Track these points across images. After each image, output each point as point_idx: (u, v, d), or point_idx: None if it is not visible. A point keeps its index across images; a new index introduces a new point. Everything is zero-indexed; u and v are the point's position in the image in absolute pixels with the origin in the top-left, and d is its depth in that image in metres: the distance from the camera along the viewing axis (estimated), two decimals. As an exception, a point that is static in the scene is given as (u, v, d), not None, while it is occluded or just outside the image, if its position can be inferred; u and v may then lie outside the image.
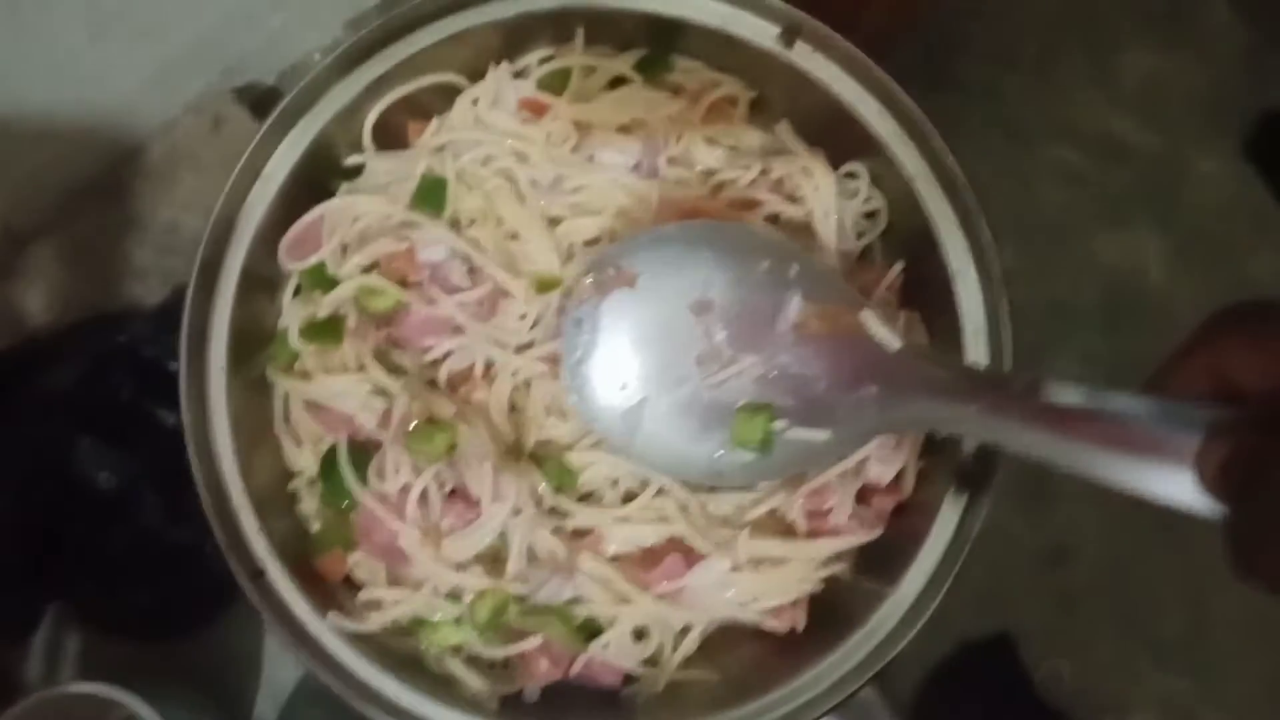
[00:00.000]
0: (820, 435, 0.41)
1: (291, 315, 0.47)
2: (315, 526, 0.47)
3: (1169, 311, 0.85)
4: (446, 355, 0.46)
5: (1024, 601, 0.90)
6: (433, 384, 0.46)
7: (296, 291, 0.48)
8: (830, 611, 0.47)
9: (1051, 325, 0.85)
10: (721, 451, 0.42)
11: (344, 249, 0.46)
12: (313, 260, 0.46)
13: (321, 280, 0.46)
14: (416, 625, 0.46)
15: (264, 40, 0.65)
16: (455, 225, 0.47)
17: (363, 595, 0.45)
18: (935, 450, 0.47)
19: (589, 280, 0.43)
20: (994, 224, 0.87)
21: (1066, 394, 0.32)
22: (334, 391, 0.45)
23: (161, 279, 0.61)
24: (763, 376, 0.42)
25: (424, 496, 0.44)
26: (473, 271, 0.46)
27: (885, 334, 0.41)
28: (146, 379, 0.58)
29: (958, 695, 0.86)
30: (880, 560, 0.47)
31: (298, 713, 0.60)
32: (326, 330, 0.46)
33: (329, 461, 0.45)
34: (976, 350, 0.45)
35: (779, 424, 0.42)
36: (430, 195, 0.46)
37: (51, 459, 0.56)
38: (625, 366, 0.43)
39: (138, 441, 0.57)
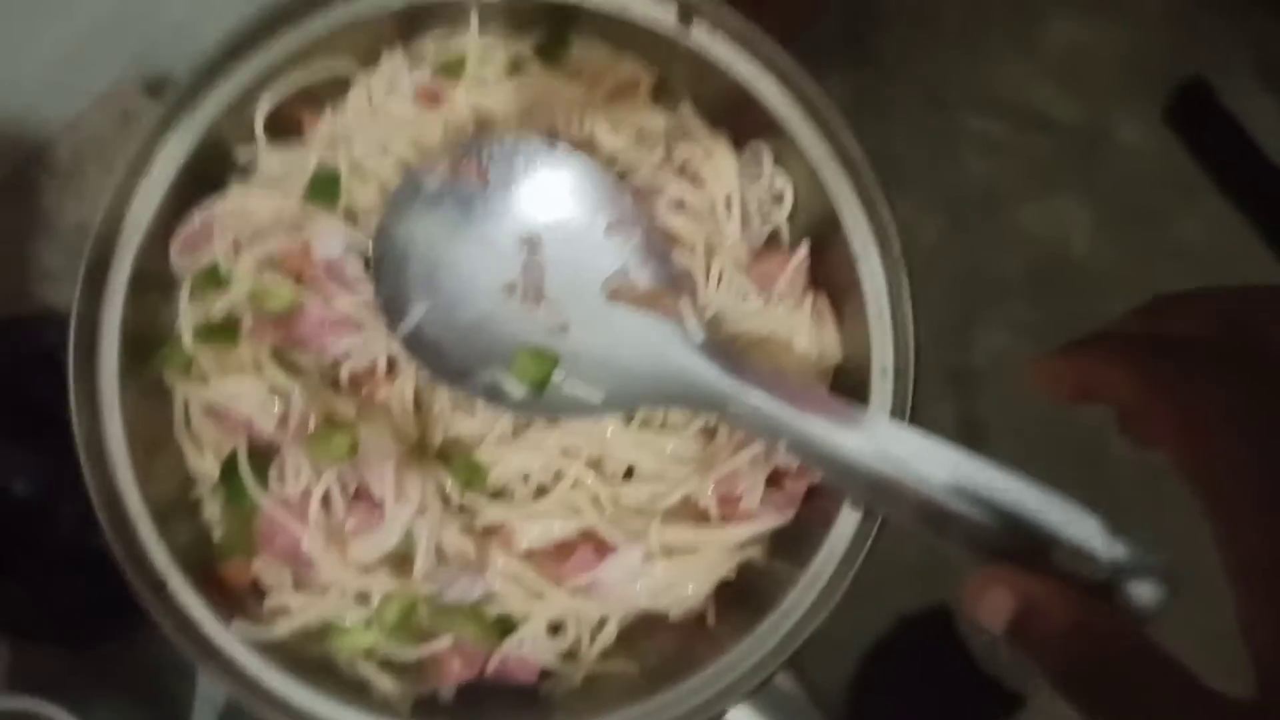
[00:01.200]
0: (594, 395, 0.43)
1: (185, 317, 0.45)
2: (218, 534, 0.45)
3: (1096, 279, 0.86)
4: (346, 353, 0.45)
5: (960, 574, 0.90)
6: (335, 384, 0.45)
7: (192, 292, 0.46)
8: (745, 596, 0.47)
9: (979, 295, 0.86)
10: (493, 379, 0.43)
11: (236, 247, 0.45)
12: (205, 260, 0.45)
13: (215, 280, 0.45)
14: (326, 630, 0.45)
15: (171, 31, 0.63)
16: (351, 218, 0.46)
17: (269, 602, 0.44)
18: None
19: (446, 157, 0.43)
20: (919, 196, 0.87)
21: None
22: (231, 394, 0.44)
23: (72, 280, 0.60)
24: (559, 326, 0.43)
25: (327, 499, 0.43)
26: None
27: (693, 325, 0.42)
28: (61, 383, 0.57)
29: (897, 670, 0.87)
30: (792, 543, 0.47)
31: (237, 715, 0.59)
32: (221, 332, 0.45)
33: (229, 467, 0.44)
34: (880, 329, 0.45)
35: (558, 374, 0.43)
36: (324, 188, 0.45)
37: (-35, 467, 0.55)
38: (433, 266, 0.43)
39: (54, 447, 0.56)
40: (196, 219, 0.45)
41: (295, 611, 0.44)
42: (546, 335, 0.43)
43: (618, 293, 0.43)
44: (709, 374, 0.42)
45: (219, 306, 0.45)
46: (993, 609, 0.30)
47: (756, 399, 0.41)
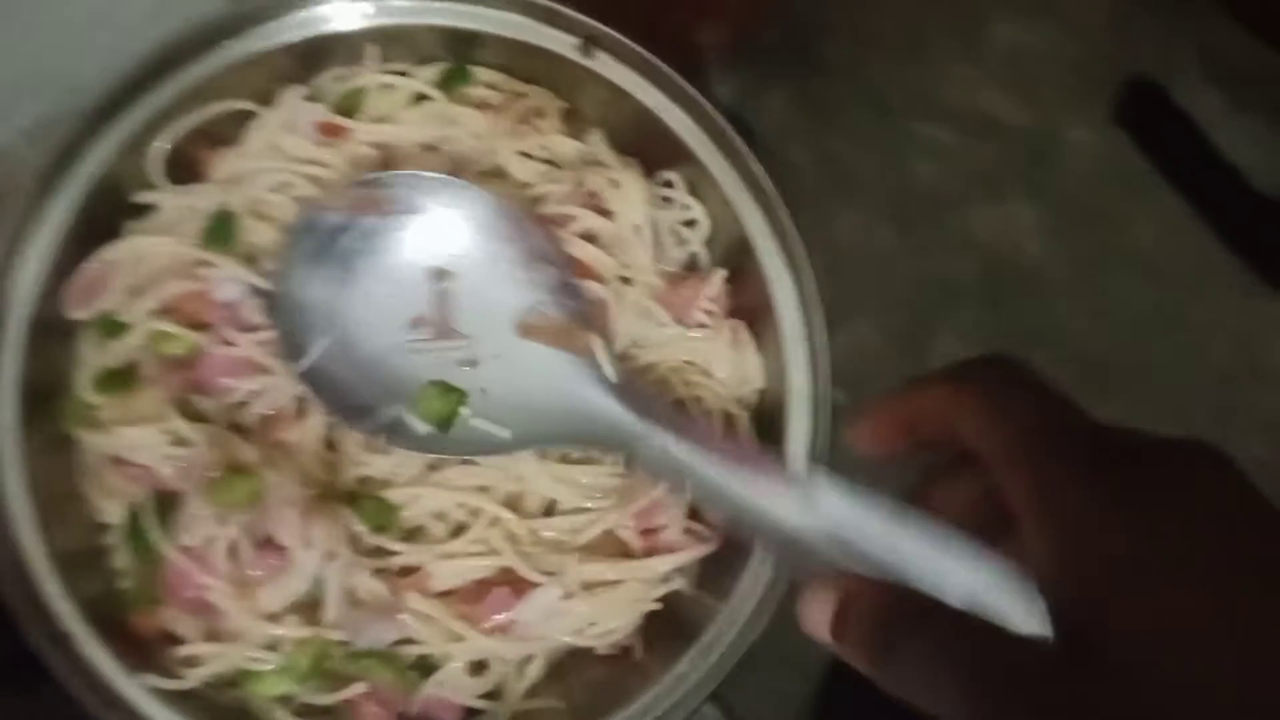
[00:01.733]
0: (503, 432, 0.42)
1: (83, 367, 0.44)
2: (126, 583, 0.45)
3: (1048, 282, 0.85)
4: (253, 396, 0.44)
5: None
6: (241, 429, 0.45)
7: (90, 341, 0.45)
8: (672, 627, 0.47)
9: (931, 302, 0.85)
10: (398, 416, 0.42)
11: (133, 293, 0.44)
12: (99, 309, 0.44)
13: (111, 328, 0.44)
14: (241, 676, 0.44)
15: (100, 62, 0.62)
16: (251, 260, 0.45)
17: (179, 651, 0.44)
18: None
19: (347, 192, 0.42)
20: (868, 204, 0.86)
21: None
22: (133, 444, 0.43)
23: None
24: (468, 361, 0.42)
25: (233, 548, 0.42)
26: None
27: (605, 363, 0.42)
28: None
29: (859, 685, 0.86)
30: (718, 573, 0.46)
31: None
32: (120, 380, 0.44)
33: (134, 518, 0.43)
34: (796, 356, 0.44)
35: (465, 410, 0.42)
36: (220, 230, 0.44)
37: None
38: (334, 302, 0.42)
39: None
40: (90, 267, 0.44)
41: (206, 661, 0.43)
42: (454, 370, 0.43)
43: (529, 328, 0.43)
44: (618, 414, 0.41)
45: (116, 354, 0.44)
46: (816, 619, 0.29)
47: (665, 441, 0.39)
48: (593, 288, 0.45)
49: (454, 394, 0.42)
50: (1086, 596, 0.24)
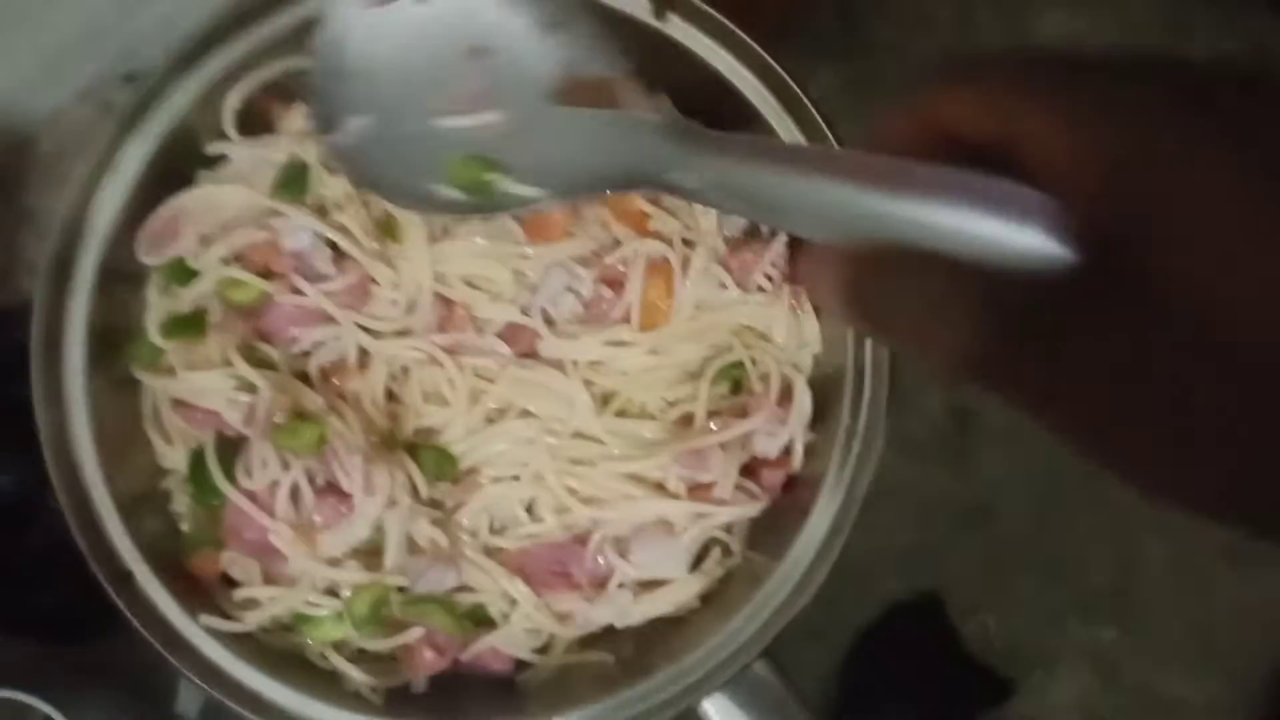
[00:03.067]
0: (535, 193, 0.39)
1: (152, 311, 0.45)
2: (186, 526, 0.45)
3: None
4: (317, 346, 0.45)
5: (949, 560, 0.90)
6: (304, 377, 0.45)
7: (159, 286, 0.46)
8: (721, 587, 0.47)
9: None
10: (438, 187, 0.40)
11: (203, 241, 0.45)
12: (170, 254, 0.45)
13: (181, 274, 0.45)
14: (297, 621, 0.45)
15: (156, 22, 0.63)
16: (321, 211, 0.45)
17: (238, 594, 0.44)
18: (823, 421, 0.47)
19: None
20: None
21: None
22: (198, 388, 0.44)
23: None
24: (504, 134, 0.40)
25: (295, 492, 0.43)
26: (341, 258, 0.45)
27: (645, 107, 0.38)
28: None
29: (888, 655, 0.86)
30: (769, 534, 0.47)
31: (223, 709, 0.59)
32: (188, 325, 0.44)
33: (197, 460, 0.44)
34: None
35: (496, 176, 0.40)
36: (292, 182, 0.44)
37: (-53, 467, 0.55)
38: (371, 78, 0.41)
39: (37, 443, 0.56)
40: (163, 213, 0.44)
41: (264, 604, 0.44)
42: (491, 143, 0.40)
43: (565, 93, 0.40)
44: (663, 147, 0.37)
45: (186, 300, 0.45)
46: (821, 278, 0.27)
47: (709, 164, 0.34)
48: (655, 246, 0.45)
49: (482, 161, 0.40)
50: (1130, 211, 0.22)
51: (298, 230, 0.44)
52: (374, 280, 0.45)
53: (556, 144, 0.39)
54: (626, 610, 0.45)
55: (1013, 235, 0.24)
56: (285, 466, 0.43)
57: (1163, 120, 0.23)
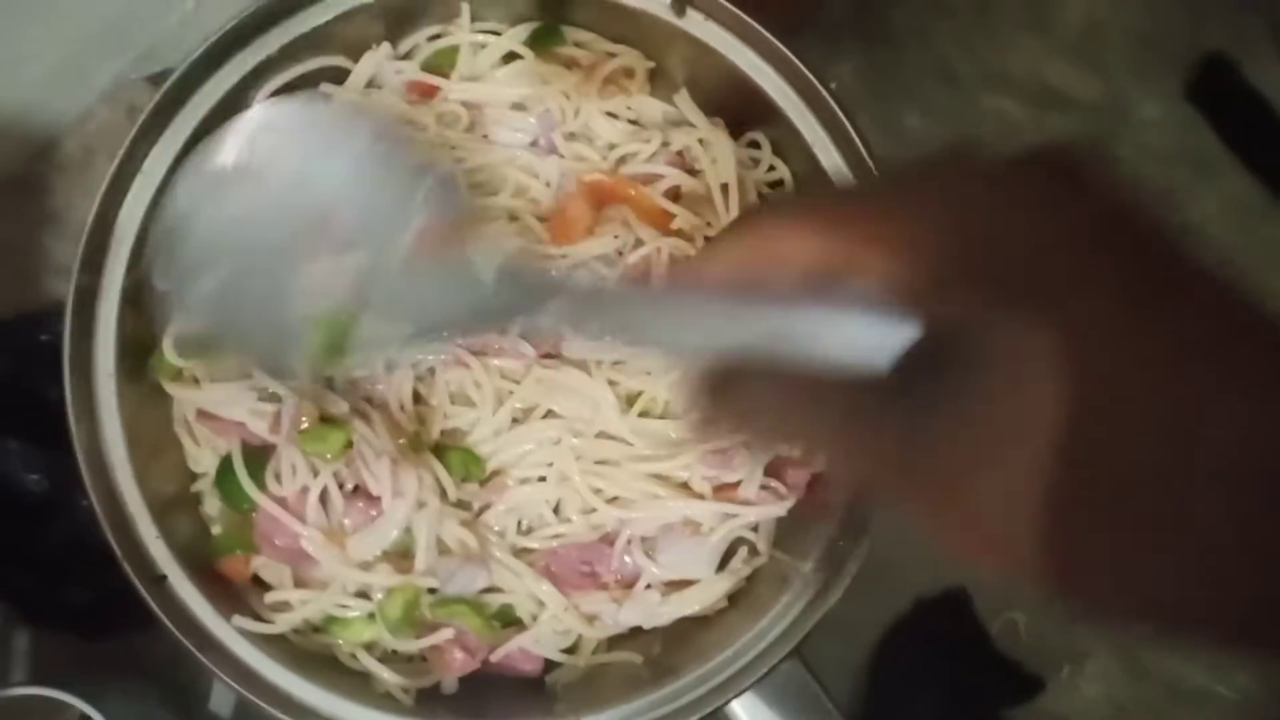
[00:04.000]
0: (401, 329, 0.37)
1: (167, 329, 0.45)
2: (217, 529, 0.46)
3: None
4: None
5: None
6: (329, 382, 0.45)
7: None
8: (748, 587, 0.47)
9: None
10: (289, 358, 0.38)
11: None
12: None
13: None
14: (329, 623, 0.45)
15: (177, 24, 0.63)
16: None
17: (269, 597, 0.45)
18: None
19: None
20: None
21: None
22: (221, 399, 0.44)
23: (77, 278, 0.61)
24: (363, 276, 0.37)
25: (325, 497, 0.43)
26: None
27: (505, 242, 0.40)
28: (72, 379, 0.57)
29: (915, 653, 0.86)
30: (795, 533, 0.46)
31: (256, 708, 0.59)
32: (203, 346, 0.44)
33: (225, 468, 0.44)
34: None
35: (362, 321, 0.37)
36: None
37: (-20, 464, 0.55)
38: (220, 239, 0.37)
39: (65, 442, 0.57)
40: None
41: (296, 607, 0.44)
42: (345, 292, 0.37)
43: (416, 244, 0.37)
44: (501, 301, 0.35)
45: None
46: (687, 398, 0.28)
47: (545, 311, 0.33)
48: (677, 244, 0.45)
49: (343, 321, 0.37)
50: (970, 312, 0.23)
51: None
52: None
53: (417, 288, 0.37)
54: (654, 611, 0.45)
55: (859, 336, 0.24)
56: (314, 472, 0.43)
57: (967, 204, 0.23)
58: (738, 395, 0.27)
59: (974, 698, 0.87)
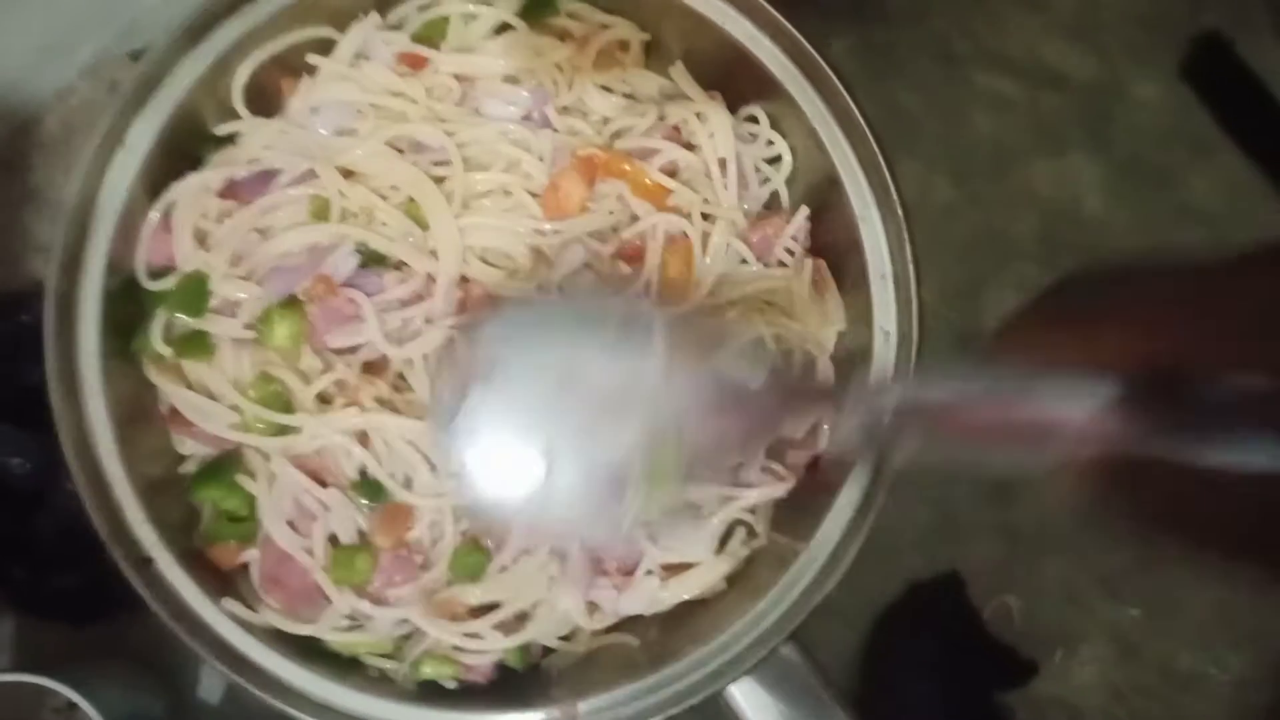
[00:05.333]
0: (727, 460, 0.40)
1: (155, 327, 0.44)
2: (205, 519, 0.45)
3: (1108, 239, 0.84)
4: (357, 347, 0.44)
5: (971, 540, 0.89)
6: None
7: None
8: (747, 570, 0.46)
9: (987, 256, 0.84)
10: (638, 499, 0.37)
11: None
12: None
13: (194, 299, 0.44)
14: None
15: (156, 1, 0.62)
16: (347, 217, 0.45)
17: (270, 618, 0.43)
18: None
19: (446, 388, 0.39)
20: (927, 155, 0.85)
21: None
22: (198, 408, 0.43)
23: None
24: (651, 428, 0.37)
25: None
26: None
27: (749, 371, 0.38)
28: (53, 359, 0.56)
29: (907, 636, 0.85)
30: (796, 518, 0.46)
31: (245, 693, 0.59)
32: (195, 345, 0.44)
33: (206, 471, 0.44)
34: (883, 291, 0.44)
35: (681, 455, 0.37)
36: (320, 212, 0.44)
37: (-38, 449, 0.54)
38: (512, 452, 0.37)
39: (49, 424, 0.56)
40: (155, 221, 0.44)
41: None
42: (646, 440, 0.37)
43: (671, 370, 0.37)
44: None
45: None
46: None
47: None
48: (673, 220, 0.45)
49: (666, 452, 0.37)
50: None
51: (344, 257, 0.43)
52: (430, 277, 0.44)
53: (701, 416, 0.37)
54: (655, 597, 0.45)
55: None
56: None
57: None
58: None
59: (967, 681, 0.87)
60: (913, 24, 0.84)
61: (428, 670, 0.44)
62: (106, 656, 0.56)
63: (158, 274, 0.44)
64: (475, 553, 0.44)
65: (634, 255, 0.45)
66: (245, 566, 0.45)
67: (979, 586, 0.86)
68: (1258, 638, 0.86)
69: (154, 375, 0.44)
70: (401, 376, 0.44)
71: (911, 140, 0.82)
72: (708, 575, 0.45)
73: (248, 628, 0.42)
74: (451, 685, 0.44)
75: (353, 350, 0.44)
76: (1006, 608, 0.86)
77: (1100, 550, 0.86)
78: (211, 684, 0.58)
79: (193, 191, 0.44)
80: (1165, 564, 0.87)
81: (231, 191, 0.45)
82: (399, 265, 0.44)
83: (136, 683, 0.56)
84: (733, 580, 0.46)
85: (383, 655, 0.44)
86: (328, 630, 0.43)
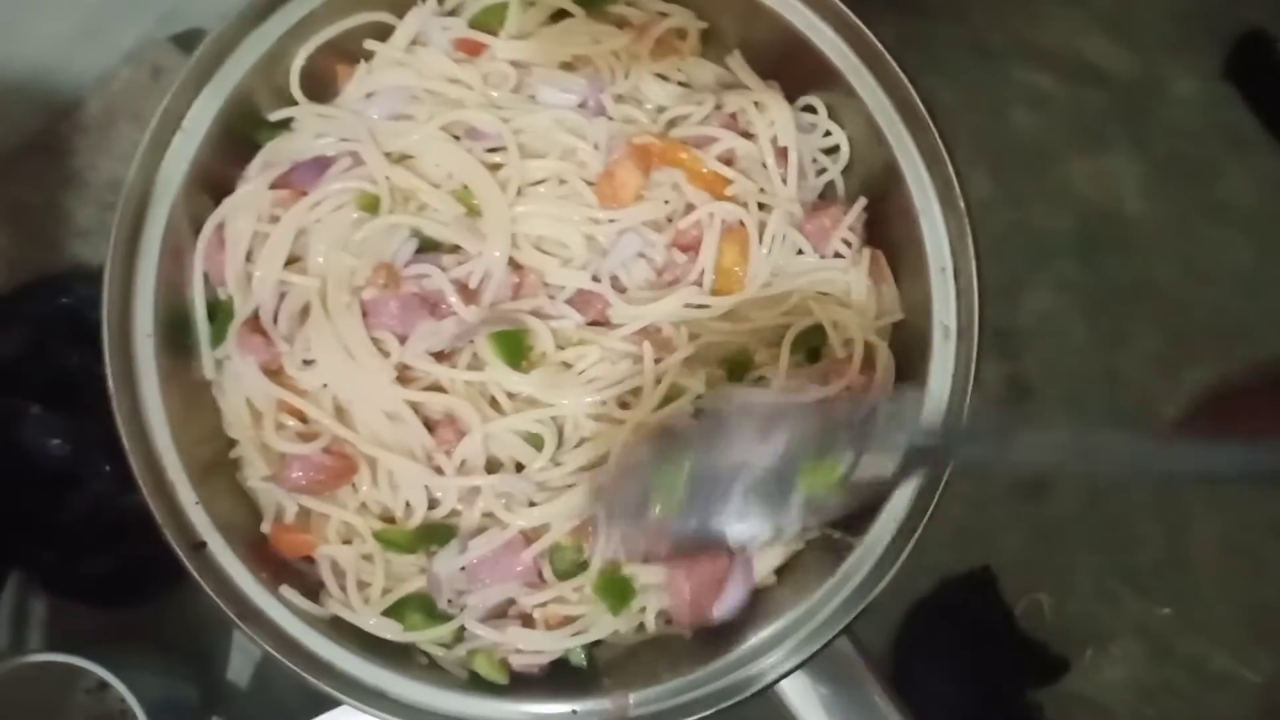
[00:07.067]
0: (888, 467, 0.39)
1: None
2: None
3: (1145, 237, 0.83)
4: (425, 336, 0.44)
5: (1003, 536, 0.89)
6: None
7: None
8: (798, 563, 0.46)
9: (1026, 253, 0.83)
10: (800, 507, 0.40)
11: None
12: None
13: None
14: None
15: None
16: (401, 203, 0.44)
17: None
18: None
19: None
20: (965, 151, 0.84)
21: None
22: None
23: (105, 237, 0.59)
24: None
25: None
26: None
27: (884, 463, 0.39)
28: (93, 342, 0.56)
29: (939, 631, 0.85)
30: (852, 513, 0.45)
31: (274, 676, 0.59)
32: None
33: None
34: (943, 286, 0.43)
35: (843, 469, 0.39)
36: (369, 205, 0.44)
37: (1, 429, 0.55)
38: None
39: (87, 407, 0.56)
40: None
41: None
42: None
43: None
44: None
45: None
46: None
47: None
48: (730, 209, 0.44)
49: (826, 457, 0.39)
50: None
51: (403, 244, 0.43)
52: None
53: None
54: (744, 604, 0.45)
55: None
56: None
57: None
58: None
59: (998, 678, 0.87)
60: (951, 18, 0.83)
61: (480, 665, 0.43)
62: (138, 640, 0.56)
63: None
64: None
65: (689, 245, 0.45)
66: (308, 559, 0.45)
67: (1011, 583, 0.86)
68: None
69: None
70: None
71: (949, 134, 0.82)
72: (763, 564, 0.45)
73: (301, 614, 0.42)
74: (503, 682, 0.44)
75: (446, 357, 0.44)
76: (1038, 604, 0.86)
77: (1132, 548, 0.86)
78: (240, 667, 0.58)
79: (242, 205, 0.44)
80: (1194, 562, 0.87)
81: (285, 180, 0.45)
82: (454, 249, 0.44)
83: (168, 666, 0.56)
84: (782, 573, 0.46)
85: (440, 644, 0.44)
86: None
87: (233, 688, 0.58)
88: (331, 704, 0.43)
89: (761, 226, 0.45)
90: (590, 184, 0.45)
